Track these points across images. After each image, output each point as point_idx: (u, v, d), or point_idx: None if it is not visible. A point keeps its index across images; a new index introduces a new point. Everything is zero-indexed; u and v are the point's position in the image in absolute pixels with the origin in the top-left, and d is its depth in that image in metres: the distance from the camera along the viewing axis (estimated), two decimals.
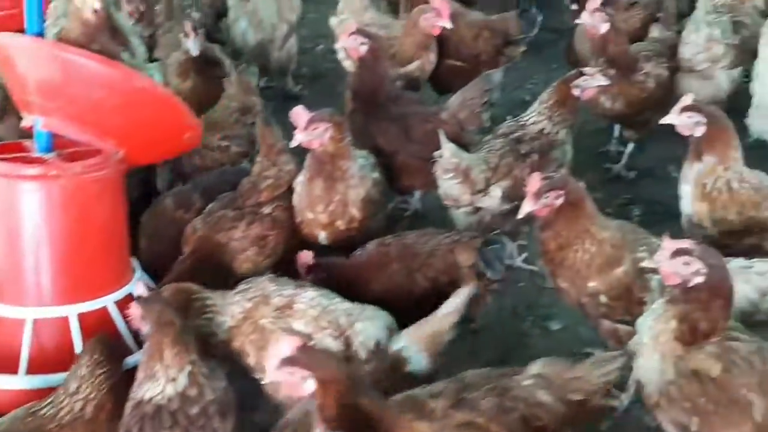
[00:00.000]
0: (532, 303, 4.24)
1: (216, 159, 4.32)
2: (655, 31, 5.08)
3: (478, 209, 4.04)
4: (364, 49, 4.39)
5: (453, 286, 3.42)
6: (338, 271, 3.58)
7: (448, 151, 3.89)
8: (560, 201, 3.19)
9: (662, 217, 4.19)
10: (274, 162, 3.82)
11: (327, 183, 3.69)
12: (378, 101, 4.42)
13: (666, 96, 4.63)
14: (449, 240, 3.62)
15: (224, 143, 4.35)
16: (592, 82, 4.08)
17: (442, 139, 3.90)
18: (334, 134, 3.65)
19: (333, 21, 5.39)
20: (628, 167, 5.18)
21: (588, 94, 4.11)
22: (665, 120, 3.59)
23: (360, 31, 4.45)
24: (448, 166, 3.92)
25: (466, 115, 4.31)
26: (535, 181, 3.23)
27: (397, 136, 4.32)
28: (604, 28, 4.56)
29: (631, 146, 5.12)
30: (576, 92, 4.08)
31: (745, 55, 4.92)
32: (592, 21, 4.58)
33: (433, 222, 4.40)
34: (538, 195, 3.20)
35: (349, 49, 4.55)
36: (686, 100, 3.55)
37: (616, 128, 5.26)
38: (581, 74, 4.08)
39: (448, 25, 4.81)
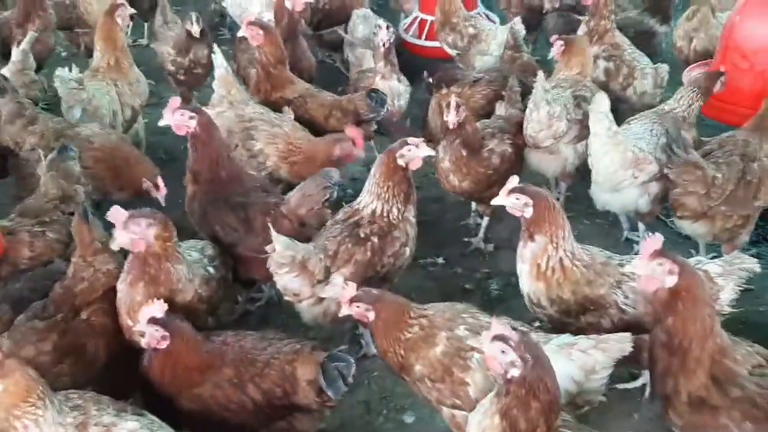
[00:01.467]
0: (387, 395, 4.07)
1: (32, 247, 3.96)
2: (500, 109, 5.15)
3: (321, 299, 3.87)
4: (192, 123, 4.13)
5: (288, 400, 3.27)
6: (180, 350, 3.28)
7: (280, 245, 3.71)
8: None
9: (518, 289, 4.13)
10: (91, 262, 3.54)
11: (149, 288, 3.43)
12: (217, 183, 4.20)
13: (511, 171, 4.63)
14: (290, 349, 3.41)
15: (39, 229, 4.01)
16: (417, 152, 3.97)
17: (273, 233, 3.72)
18: (159, 233, 3.43)
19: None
20: (486, 240, 5.17)
21: (415, 164, 4.03)
22: (494, 201, 3.57)
23: (184, 106, 4.22)
24: (283, 260, 3.73)
25: (306, 212, 4.14)
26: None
27: (235, 227, 4.12)
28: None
29: (486, 219, 5.12)
30: (401, 162, 3.98)
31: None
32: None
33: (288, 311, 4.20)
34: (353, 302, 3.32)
35: (176, 126, 4.18)
36: (512, 182, 3.55)
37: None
38: (405, 143, 3.99)
39: None
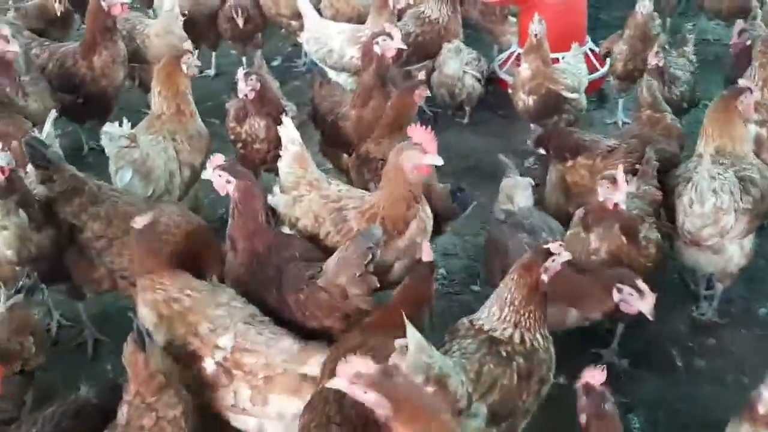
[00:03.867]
0: None
1: None
2: (630, 185, 4.12)
3: None
4: (230, 189, 3.64)
5: None
6: None
7: (413, 344, 2.72)
8: None
9: None
10: (151, 404, 2.82)
11: None
12: (254, 254, 3.61)
13: (664, 263, 3.98)
14: None
15: None
16: (558, 259, 3.17)
17: (408, 326, 2.74)
18: None
19: None
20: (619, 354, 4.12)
21: (553, 272, 3.16)
22: None
23: (225, 167, 3.68)
24: (415, 366, 2.72)
25: (347, 281, 3.33)
26: None
27: (272, 308, 3.48)
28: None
29: (622, 326, 4.08)
30: (546, 278, 3.14)
31: (758, 219, 3.99)
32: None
33: None
34: None
35: (216, 186, 3.72)
36: None
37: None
38: (549, 253, 3.16)
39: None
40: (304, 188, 3.97)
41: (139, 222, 3.39)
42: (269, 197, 4.09)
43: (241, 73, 4.65)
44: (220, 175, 3.63)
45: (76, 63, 5.52)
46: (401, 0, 5.85)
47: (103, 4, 5.28)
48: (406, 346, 2.72)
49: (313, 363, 3.10)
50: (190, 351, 3.19)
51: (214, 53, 7.39)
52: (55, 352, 4.15)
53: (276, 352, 3.15)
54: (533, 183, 4.45)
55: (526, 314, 3.14)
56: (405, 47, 5.10)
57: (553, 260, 3.13)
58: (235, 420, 3.22)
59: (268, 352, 3.15)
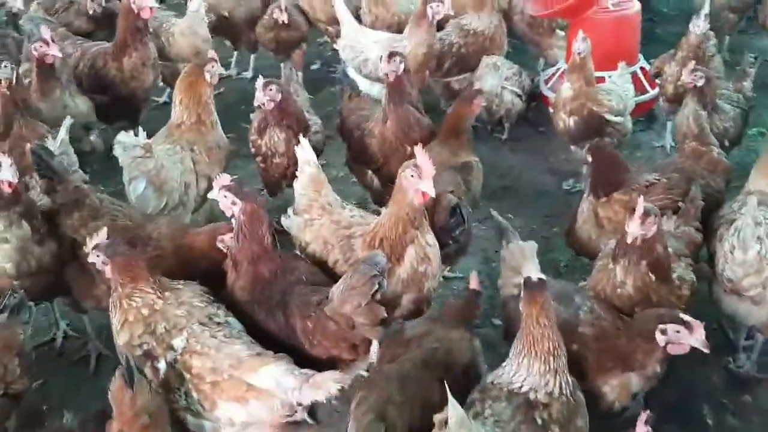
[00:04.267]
0: None
1: None
2: (668, 223, 3.83)
3: None
4: (235, 210, 3.46)
5: None
6: None
7: (454, 419, 2.52)
8: None
9: None
10: None
11: None
12: (257, 279, 3.43)
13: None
14: None
15: None
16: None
17: (451, 402, 2.53)
18: None
19: None
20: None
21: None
22: None
23: (231, 187, 3.50)
24: None
25: (352, 310, 3.14)
26: None
27: (277, 334, 3.32)
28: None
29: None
30: None
31: None
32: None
33: None
34: None
35: (221, 206, 3.55)
36: None
37: None
38: None
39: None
40: (316, 212, 3.78)
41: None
42: (283, 218, 3.93)
43: (260, 82, 4.49)
44: (225, 196, 3.47)
45: (106, 64, 5.44)
46: (441, 11, 5.58)
47: (133, 6, 5.19)
48: (446, 421, 2.55)
49: (263, 373, 2.94)
50: (147, 350, 3.10)
51: (253, 55, 7.28)
52: (58, 363, 4.08)
53: (224, 356, 3.02)
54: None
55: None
56: (406, 71, 4.70)
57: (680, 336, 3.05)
58: (192, 424, 3.08)
59: (216, 356, 3.02)
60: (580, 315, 3.32)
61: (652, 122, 6.52)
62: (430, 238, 3.62)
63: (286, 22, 6.59)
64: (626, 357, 3.20)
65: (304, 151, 3.86)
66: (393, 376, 3.06)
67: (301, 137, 3.98)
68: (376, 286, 3.13)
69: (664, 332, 3.11)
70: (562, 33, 6.59)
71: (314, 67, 7.54)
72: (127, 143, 4.02)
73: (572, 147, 5.55)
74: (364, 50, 6.02)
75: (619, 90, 5.38)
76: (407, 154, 4.58)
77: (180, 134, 4.35)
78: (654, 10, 8.50)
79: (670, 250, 3.61)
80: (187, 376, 3.02)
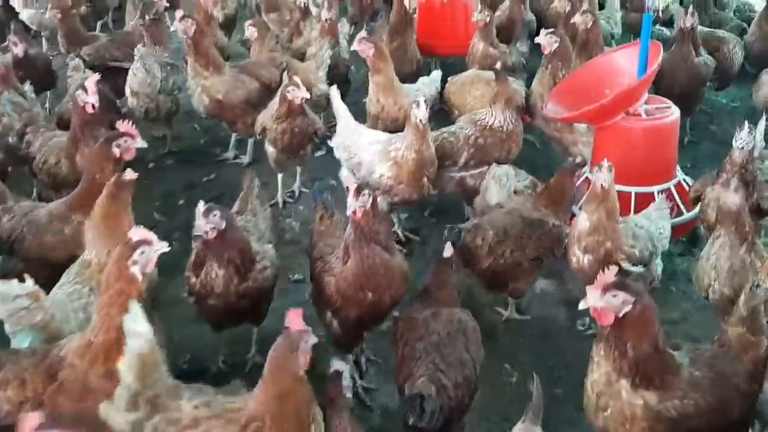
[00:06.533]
0: None
1: None
2: None
3: None
4: (213, 234, 3.68)
5: None
6: None
7: None
8: None
9: None
10: None
11: None
12: None
13: None
14: None
15: None
16: None
17: None
18: None
19: None
20: None
21: None
22: None
23: (210, 209, 3.68)
24: None
25: None
26: None
27: None
28: None
29: None
30: None
31: None
32: None
33: None
34: None
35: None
36: None
37: None
38: None
39: None
40: (143, 408, 2.74)
41: None
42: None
43: (200, 207, 3.79)
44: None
45: (58, 162, 4.91)
46: (422, 115, 4.97)
47: (79, 100, 4.66)
48: None
49: None
50: None
51: (251, 139, 6.64)
52: None
53: None
54: None
55: None
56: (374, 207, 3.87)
57: None
58: None
59: None
60: None
61: (696, 245, 5.54)
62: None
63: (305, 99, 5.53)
64: None
65: (132, 318, 2.80)
66: (430, 349, 3.47)
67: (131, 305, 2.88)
68: None
69: None
70: (585, 126, 5.74)
71: (319, 154, 6.78)
72: (6, 293, 3.26)
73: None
74: (359, 153, 5.31)
75: (650, 229, 4.48)
76: (368, 302, 3.84)
77: (90, 274, 3.63)
78: (709, 101, 7.57)
79: None
80: None
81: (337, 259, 3.94)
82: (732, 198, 4.04)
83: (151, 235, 3.07)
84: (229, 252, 3.80)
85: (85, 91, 4.70)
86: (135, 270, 2.98)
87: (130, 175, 3.83)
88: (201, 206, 3.80)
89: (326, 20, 6.94)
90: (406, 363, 3.49)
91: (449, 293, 3.92)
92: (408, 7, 7.16)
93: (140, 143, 4.35)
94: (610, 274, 3.09)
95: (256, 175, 4.73)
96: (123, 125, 4.38)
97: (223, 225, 3.78)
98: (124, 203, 3.76)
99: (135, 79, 6.37)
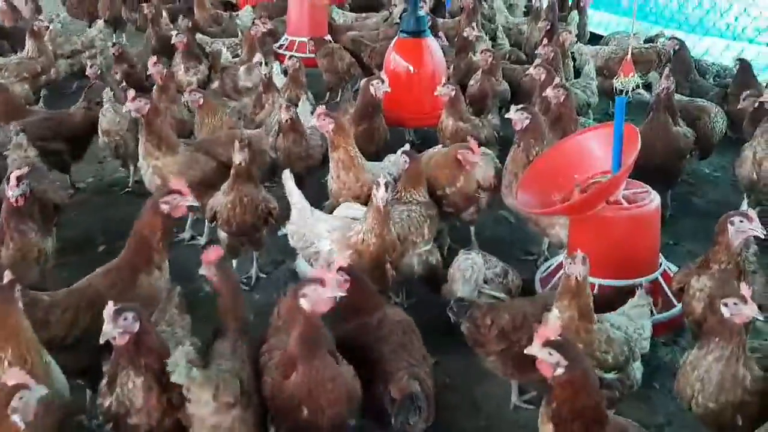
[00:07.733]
0: None
1: None
2: None
3: None
4: (124, 340, 3.28)
5: None
6: None
7: None
8: None
9: None
10: None
11: None
12: None
13: None
14: None
15: None
16: None
17: None
18: None
19: None
20: None
21: None
22: None
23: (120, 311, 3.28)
24: None
25: None
26: None
27: None
28: None
29: None
30: None
31: None
32: None
33: None
34: None
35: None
36: None
37: None
38: None
39: None
40: None
41: None
42: None
43: (110, 308, 3.33)
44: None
45: None
46: (384, 197, 4.62)
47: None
48: None
49: None
50: None
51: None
52: None
53: None
54: None
55: None
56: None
57: None
58: None
59: None
60: None
61: (680, 334, 5.10)
62: None
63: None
64: None
65: None
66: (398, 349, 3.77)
67: None
68: None
69: None
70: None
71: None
72: None
73: None
74: (315, 241, 4.93)
75: (629, 330, 4.08)
76: (303, 418, 3.40)
77: None
78: (691, 171, 7.26)
79: None
80: None
81: (279, 368, 3.50)
82: (747, 311, 3.49)
83: (27, 378, 2.64)
84: (146, 357, 3.35)
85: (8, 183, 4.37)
86: (16, 419, 2.55)
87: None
88: (110, 307, 3.35)
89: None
90: (380, 365, 3.63)
91: (376, 298, 4.11)
92: (375, 95, 6.60)
93: (191, 201, 4.28)
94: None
95: (177, 285, 4.30)
96: (174, 182, 4.38)
97: (137, 327, 3.34)
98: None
99: (104, 119, 6.88)
